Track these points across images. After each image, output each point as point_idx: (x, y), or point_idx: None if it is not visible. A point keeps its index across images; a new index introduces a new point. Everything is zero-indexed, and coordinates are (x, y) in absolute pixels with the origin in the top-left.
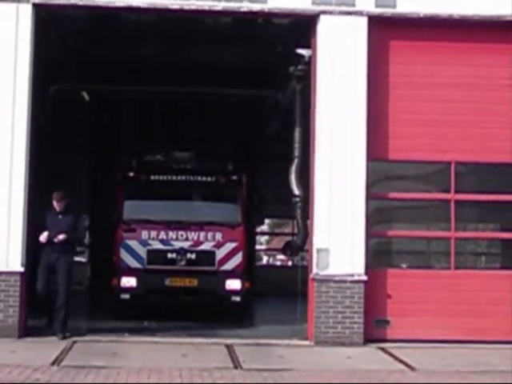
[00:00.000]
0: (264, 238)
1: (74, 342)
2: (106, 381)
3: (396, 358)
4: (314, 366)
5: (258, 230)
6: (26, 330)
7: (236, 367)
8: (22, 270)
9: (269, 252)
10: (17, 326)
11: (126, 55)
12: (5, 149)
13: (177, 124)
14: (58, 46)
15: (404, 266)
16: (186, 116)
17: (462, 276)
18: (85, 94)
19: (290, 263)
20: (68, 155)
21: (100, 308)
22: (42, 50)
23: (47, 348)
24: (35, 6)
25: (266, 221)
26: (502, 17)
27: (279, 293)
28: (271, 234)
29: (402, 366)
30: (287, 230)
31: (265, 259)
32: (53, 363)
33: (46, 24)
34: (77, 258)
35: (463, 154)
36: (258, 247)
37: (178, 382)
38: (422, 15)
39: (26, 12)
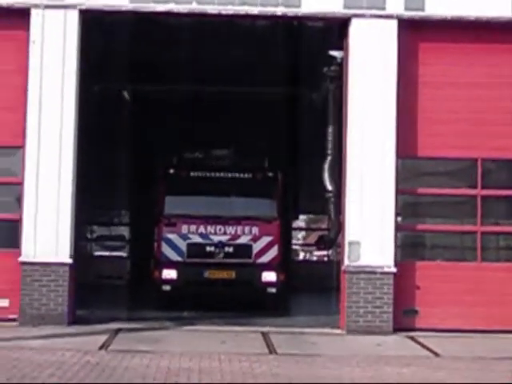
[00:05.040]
0: (301, 234)
1: (119, 330)
2: (150, 363)
3: (423, 346)
4: (345, 352)
5: (294, 225)
6: (75, 318)
7: (271, 352)
8: (70, 261)
9: (305, 247)
10: (66, 314)
11: (166, 57)
12: (54, 145)
13: (215, 122)
14: (101, 47)
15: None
16: (225, 114)
17: (487, 268)
18: (126, 94)
19: (325, 258)
20: (110, 152)
21: (141, 300)
22: (87, 52)
23: (94, 334)
24: (81, 12)
25: (303, 216)
26: None
27: (315, 287)
28: (307, 229)
29: (427, 353)
30: (323, 226)
31: (301, 255)
32: (101, 348)
33: (91, 27)
34: (117, 253)
35: (489, 151)
36: (294, 242)
37: (217, 365)
38: (449, 18)
39: (73, 17)
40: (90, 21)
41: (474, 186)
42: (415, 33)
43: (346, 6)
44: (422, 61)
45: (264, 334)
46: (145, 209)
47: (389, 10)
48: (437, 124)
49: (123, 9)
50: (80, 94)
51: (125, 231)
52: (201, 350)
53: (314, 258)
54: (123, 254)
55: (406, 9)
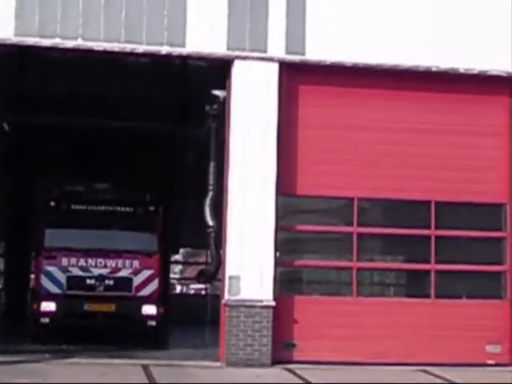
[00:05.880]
0: (178, 268)
1: None
2: None
3: (299, 377)
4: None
5: (173, 259)
6: None
7: None
8: None
9: (183, 281)
10: None
11: (49, 90)
12: None
13: (97, 155)
14: None
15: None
16: (107, 148)
17: (362, 303)
18: (5, 125)
19: (203, 292)
20: None
21: (18, 332)
22: None
23: None
24: None
25: (181, 250)
26: (398, 66)
27: (193, 320)
28: (185, 263)
29: (303, 383)
30: (201, 260)
31: (178, 288)
32: None
33: None
34: None
35: (365, 190)
36: (172, 276)
37: None
38: (328, 63)
39: None
40: None
41: (351, 224)
42: (296, 75)
43: (229, 48)
44: (302, 103)
45: (144, 367)
46: (21, 240)
47: (270, 53)
48: (316, 164)
49: (8, 42)
50: None
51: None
52: (81, 383)
53: (192, 292)
54: None
55: (287, 52)
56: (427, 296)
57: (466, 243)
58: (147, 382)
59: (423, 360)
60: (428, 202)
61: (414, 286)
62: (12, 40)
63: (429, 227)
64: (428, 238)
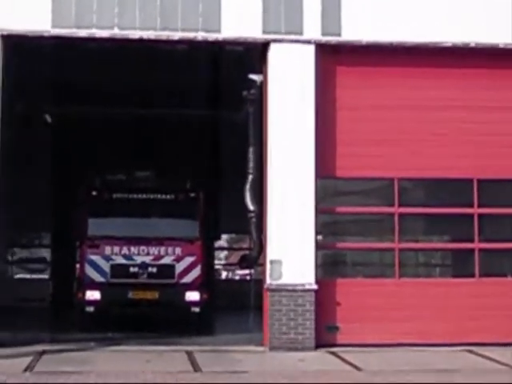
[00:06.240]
0: (223, 254)
1: (43, 352)
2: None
3: (344, 360)
4: (269, 368)
5: (217, 245)
6: None
7: (196, 370)
8: None
9: (228, 267)
10: None
11: (89, 80)
12: None
13: (137, 144)
14: (24, 70)
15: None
16: (147, 136)
17: (405, 284)
18: (48, 116)
19: (248, 277)
20: (32, 174)
21: (65, 322)
22: (10, 76)
23: (18, 357)
24: (3, 37)
25: (225, 236)
26: (438, 43)
27: (238, 305)
28: (229, 249)
29: (349, 367)
30: (245, 245)
31: (224, 274)
32: (25, 370)
33: (14, 52)
34: (39, 275)
35: (406, 170)
36: (217, 262)
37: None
38: (365, 43)
39: None
40: (13, 45)
41: (392, 205)
42: (333, 57)
43: (264, 32)
44: (339, 84)
45: (188, 353)
46: (66, 230)
47: (306, 36)
48: (354, 145)
49: (45, 34)
50: (2, 117)
51: (46, 253)
52: (126, 370)
53: (237, 277)
54: (45, 276)
55: (323, 34)
56: (472, 275)
57: (509, 221)
58: (191, 368)
59: (469, 340)
60: (470, 180)
61: (459, 265)
62: (50, 32)
63: (471, 205)
64: (471, 216)
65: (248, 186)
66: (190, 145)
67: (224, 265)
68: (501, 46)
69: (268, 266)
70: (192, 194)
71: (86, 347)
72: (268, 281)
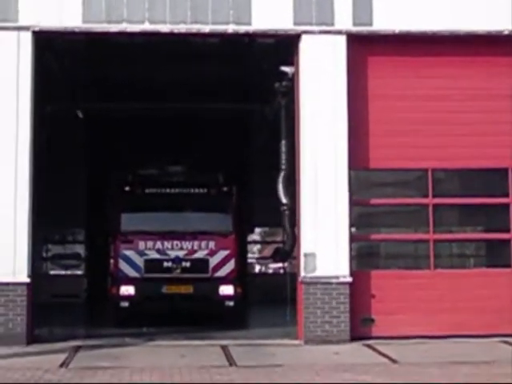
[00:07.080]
0: (256, 247)
1: (79, 347)
2: (111, 379)
3: (380, 353)
4: (304, 361)
5: (250, 239)
6: (33, 337)
7: (231, 365)
8: (28, 280)
9: (261, 260)
10: (25, 333)
11: (119, 76)
12: (10, 164)
13: (169, 139)
14: (55, 67)
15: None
16: (178, 131)
17: (440, 275)
18: (79, 113)
19: (281, 271)
20: (64, 170)
21: (99, 317)
22: (41, 72)
23: (54, 353)
24: (34, 33)
25: (258, 230)
26: (471, 32)
27: (272, 299)
28: (263, 242)
29: (385, 360)
30: (278, 239)
31: (257, 268)
32: (61, 365)
33: (45, 48)
34: (73, 271)
35: (439, 161)
36: (250, 256)
37: (178, 379)
38: (397, 32)
39: (27, 38)
40: (44, 41)
41: (426, 195)
42: (364, 47)
43: (295, 23)
44: (371, 74)
45: (223, 347)
46: (100, 226)
47: (337, 26)
48: (387, 136)
49: (76, 30)
50: (34, 114)
51: (80, 249)
52: (161, 365)
53: (270, 271)
54: (79, 272)
55: (355, 24)
56: (507, 266)
57: None
58: (226, 362)
59: (505, 331)
60: (505, 170)
61: (493, 256)
62: (80, 27)
63: (506, 195)
64: (506, 206)
65: (281, 179)
66: (222, 138)
67: (257, 258)
68: None
69: (302, 259)
70: (225, 188)
71: (120, 342)
72: (302, 274)
